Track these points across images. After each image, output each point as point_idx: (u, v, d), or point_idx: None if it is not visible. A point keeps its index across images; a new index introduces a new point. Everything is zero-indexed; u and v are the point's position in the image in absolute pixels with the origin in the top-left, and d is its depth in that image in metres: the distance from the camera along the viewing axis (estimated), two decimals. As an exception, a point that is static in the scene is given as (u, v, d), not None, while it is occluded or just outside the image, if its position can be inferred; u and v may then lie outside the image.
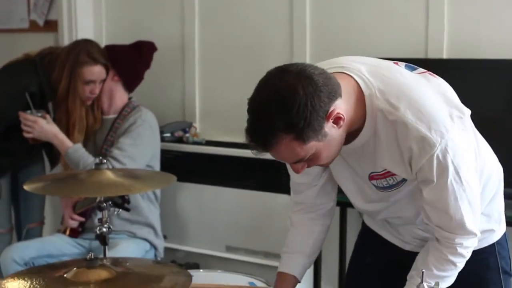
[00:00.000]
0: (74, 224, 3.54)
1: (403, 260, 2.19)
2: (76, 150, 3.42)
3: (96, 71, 3.54)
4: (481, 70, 3.26)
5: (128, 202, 3.04)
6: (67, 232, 3.56)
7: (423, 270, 1.85)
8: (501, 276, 2.26)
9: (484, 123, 3.00)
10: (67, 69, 3.50)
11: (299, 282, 2.31)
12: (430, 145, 1.89)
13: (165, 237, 3.80)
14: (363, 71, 1.98)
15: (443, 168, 1.91)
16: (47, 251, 3.37)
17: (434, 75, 2.13)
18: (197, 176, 3.94)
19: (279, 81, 1.84)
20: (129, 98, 3.75)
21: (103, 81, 3.60)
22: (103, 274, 2.11)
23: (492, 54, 3.30)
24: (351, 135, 1.98)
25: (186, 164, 3.84)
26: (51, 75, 3.54)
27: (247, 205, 3.82)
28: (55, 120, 3.55)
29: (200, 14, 4.13)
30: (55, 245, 3.43)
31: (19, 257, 3.26)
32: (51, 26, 4.45)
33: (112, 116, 3.68)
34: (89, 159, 3.37)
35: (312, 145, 1.86)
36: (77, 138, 3.56)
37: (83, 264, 2.17)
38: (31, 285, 2.09)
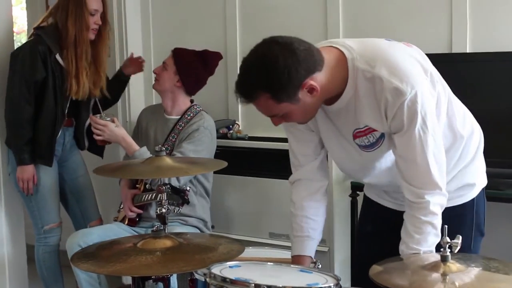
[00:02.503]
0: (132, 215, 3.77)
1: (400, 221, 2.38)
2: (142, 153, 3.58)
3: (98, 0, 3.79)
4: (502, 62, 3.42)
5: (188, 201, 3.19)
6: (126, 222, 3.80)
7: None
8: (473, 233, 2.47)
9: (505, 111, 3.23)
10: (72, 5, 3.72)
11: (314, 261, 2.52)
12: (401, 93, 2.16)
13: (212, 227, 3.98)
14: (347, 42, 2.29)
15: (412, 115, 2.17)
16: (107, 237, 3.46)
17: (411, 45, 2.41)
18: (240, 169, 4.10)
19: (267, 49, 2.18)
20: (191, 101, 3.95)
21: (103, 13, 3.82)
22: (167, 243, 2.38)
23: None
24: (334, 98, 2.28)
25: (231, 158, 3.92)
26: (54, 31, 3.76)
27: (287, 194, 3.86)
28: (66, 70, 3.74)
29: (240, 21, 4.36)
30: (115, 232, 3.61)
31: (84, 242, 3.44)
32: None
33: (174, 117, 3.89)
34: None
35: (285, 106, 2.21)
36: (84, 81, 3.76)
37: (149, 235, 2.47)
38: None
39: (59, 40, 3.77)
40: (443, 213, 2.27)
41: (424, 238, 2.26)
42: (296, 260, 2.53)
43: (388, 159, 2.38)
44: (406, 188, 2.28)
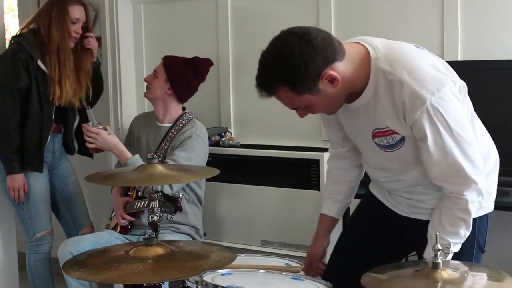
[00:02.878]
0: (124, 222, 3.77)
1: (395, 223, 2.46)
2: (135, 161, 3.57)
3: (81, 10, 3.80)
4: (494, 70, 3.42)
5: (181, 208, 3.18)
6: (118, 229, 3.80)
7: (437, 233, 2.10)
8: (474, 249, 2.49)
9: (497, 119, 3.23)
10: (55, 13, 3.74)
11: (338, 219, 2.71)
12: (421, 100, 2.15)
13: (204, 234, 3.97)
14: (375, 41, 2.28)
15: (434, 123, 2.16)
16: (99, 245, 3.49)
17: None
18: (233, 176, 4.11)
19: (283, 42, 2.19)
20: (183, 108, 3.95)
21: (85, 23, 3.83)
22: (159, 250, 2.38)
23: (503, 55, 3.46)
24: (355, 95, 2.28)
25: (223, 166, 3.88)
26: (33, 38, 3.76)
27: (279, 201, 3.98)
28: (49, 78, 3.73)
29: (232, 29, 4.36)
30: (107, 240, 3.60)
31: (75, 249, 3.44)
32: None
33: (166, 124, 3.89)
34: None
35: (306, 97, 2.21)
36: (68, 87, 3.76)
37: (141, 243, 2.47)
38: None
39: (40, 46, 3.77)
40: None
41: (456, 232, 2.30)
42: (321, 217, 2.73)
43: (406, 163, 2.38)
44: (444, 183, 2.29)
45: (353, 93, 2.29)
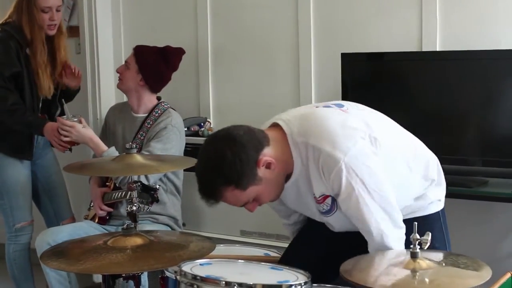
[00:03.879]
0: (103, 213, 3.75)
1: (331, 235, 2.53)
2: (110, 154, 3.54)
3: None
4: (472, 61, 3.42)
5: (158, 199, 3.15)
6: (96, 220, 3.78)
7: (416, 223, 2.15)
8: (444, 237, 2.57)
9: (476, 108, 3.26)
10: (25, 4, 3.72)
11: None
12: (334, 161, 2.23)
13: (183, 224, 3.97)
14: (290, 115, 2.39)
15: (348, 181, 2.24)
16: (78, 235, 3.45)
17: (362, 107, 2.52)
18: None
19: (212, 150, 2.28)
20: (158, 98, 3.92)
21: (59, 7, 3.81)
22: (138, 241, 2.39)
23: (480, 46, 3.47)
24: (290, 174, 2.36)
25: None
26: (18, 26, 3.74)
27: None
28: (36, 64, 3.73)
29: (211, 19, 4.34)
30: (85, 230, 3.59)
31: (53, 240, 3.41)
32: (73, 31, 4.59)
33: (141, 115, 3.86)
34: None
35: (252, 189, 2.27)
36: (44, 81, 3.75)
37: (120, 233, 2.47)
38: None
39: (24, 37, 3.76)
40: (413, 219, 2.34)
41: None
42: None
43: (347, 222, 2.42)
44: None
45: (289, 174, 2.37)
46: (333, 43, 3.93)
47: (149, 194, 3.09)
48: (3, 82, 3.68)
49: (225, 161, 2.22)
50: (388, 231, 2.29)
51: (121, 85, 3.93)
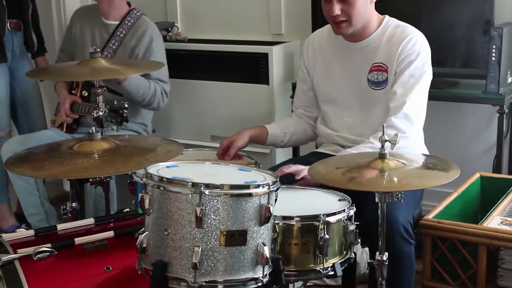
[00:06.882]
0: (68, 120, 3.67)
1: None
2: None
3: None
4: None
5: (127, 119, 2.99)
6: (64, 129, 3.72)
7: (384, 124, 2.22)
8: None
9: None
10: None
11: (268, 132, 2.90)
12: (408, 31, 2.66)
13: (153, 131, 3.92)
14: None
15: (412, 52, 2.61)
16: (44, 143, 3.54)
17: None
18: (181, 72, 4.04)
19: None
20: (128, 4, 3.78)
21: None
22: (104, 145, 2.36)
23: None
24: (362, 35, 2.69)
25: (170, 61, 3.82)
26: None
27: (229, 96, 3.97)
28: None
29: None
30: (53, 138, 3.43)
31: (19, 148, 3.23)
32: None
33: (113, 22, 3.71)
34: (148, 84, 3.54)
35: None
36: None
37: (86, 138, 2.43)
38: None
39: None
40: None
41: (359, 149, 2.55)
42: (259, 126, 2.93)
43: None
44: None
45: (361, 33, 2.68)
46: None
47: (118, 114, 3.03)
48: None
49: None
50: (407, 109, 2.58)
51: None
